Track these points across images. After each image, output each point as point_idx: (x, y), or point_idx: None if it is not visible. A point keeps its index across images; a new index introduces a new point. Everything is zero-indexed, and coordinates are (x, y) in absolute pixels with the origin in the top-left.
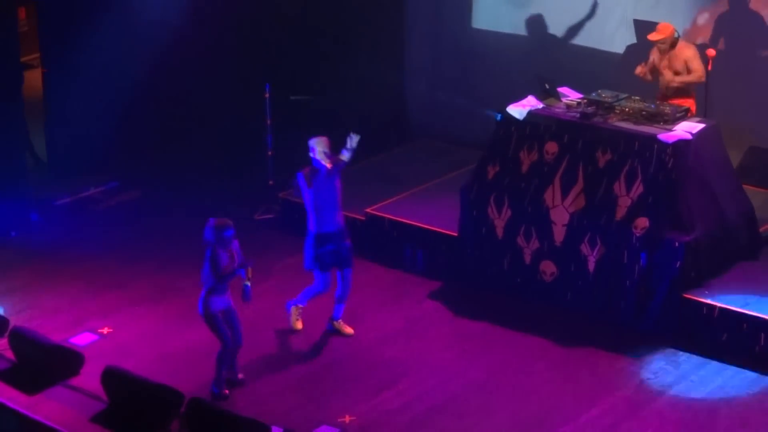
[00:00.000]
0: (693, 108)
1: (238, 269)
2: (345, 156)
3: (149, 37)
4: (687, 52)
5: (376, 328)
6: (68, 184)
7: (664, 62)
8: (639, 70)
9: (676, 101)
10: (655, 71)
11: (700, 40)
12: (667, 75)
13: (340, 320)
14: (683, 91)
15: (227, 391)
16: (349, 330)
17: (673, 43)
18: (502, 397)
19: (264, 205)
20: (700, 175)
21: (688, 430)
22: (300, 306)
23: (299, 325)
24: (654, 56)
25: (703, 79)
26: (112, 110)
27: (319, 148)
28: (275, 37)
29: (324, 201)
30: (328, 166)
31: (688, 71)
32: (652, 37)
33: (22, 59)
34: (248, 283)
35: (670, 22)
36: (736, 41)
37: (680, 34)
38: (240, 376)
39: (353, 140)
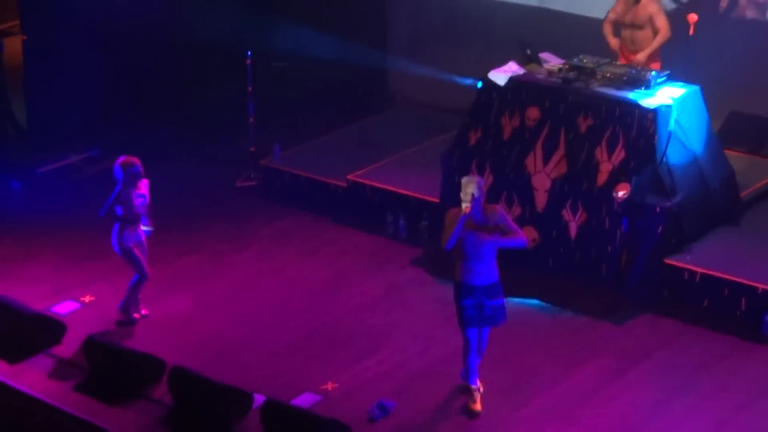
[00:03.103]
0: (657, 66)
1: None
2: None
3: (130, 4)
4: (651, 7)
5: (357, 294)
6: (49, 152)
7: (628, 16)
8: (614, 44)
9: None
10: (617, 26)
11: (680, 6)
12: (640, 57)
13: (474, 387)
14: (647, 46)
15: (137, 315)
16: (477, 407)
17: None
18: (483, 364)
19: (246, 172)
20: (681, 139)
21: (669, 395)
22: (472, 386)
23: (478, 407)
24: (616, 13)
25: (669, 35)
26: (93, 77)
27: (466, 188)
28: (256, 4)
29: (469, 249)
30: (466, 210)
31: (652, 27)
32: None
33: (1, 26)
34: (148, 229)
35: None
36: (717, 5)
37: None
38: (144, 311)
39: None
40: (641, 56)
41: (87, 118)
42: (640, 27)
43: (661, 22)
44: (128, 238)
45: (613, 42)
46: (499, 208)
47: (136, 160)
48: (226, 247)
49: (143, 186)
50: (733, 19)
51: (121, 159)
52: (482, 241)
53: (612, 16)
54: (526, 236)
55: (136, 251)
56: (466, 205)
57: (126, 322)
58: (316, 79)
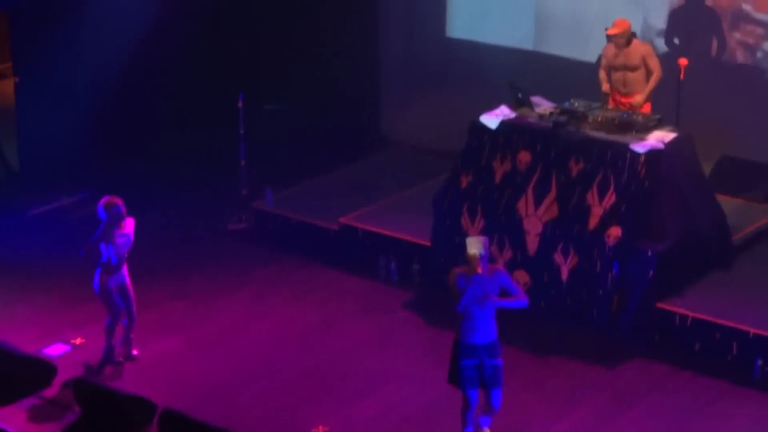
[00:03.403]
0: (648, 108)
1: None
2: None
3: (121, 46)
4: (643, 49)
5: (350, 337)
6: (41, 194)
7: (620, 58)
8: (605, 87)
9: (629, 99)
10: (609, 70)
11: (670, 49)
12: (636, 98)
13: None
14: (639, 87)
15: (121, 359)
16: None
17: (629, 40)
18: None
19: (237, 215)
20: (672, 184)
21: None
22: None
23: None
24: (607, 57)
25: (661, 75)
26: (84, 120)
27: (472, 248)
28: (248, 47)
29: (474, 309)
30: (478, 271)
31: (647, 69)
32: (611, 31)
33: None
34: None
35: (636, 32)
36: (708, 49)
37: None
38: (135, 351)
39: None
40: (640, 98)
41: (78, 160)
42: (633, 69)
43: (654, 63)
44: (110, 280)
45: (605, 86)
46: (502, 269)
47: (118, 200)
48: (218, 289)
49: (127, 226)
50: (724, 63)
51: (104, 199)
52: (485, 301)
53: (604, 61)
54: (527, 298)
55: (116, 294)
56: (476, 266)
57: (115, 362)
58: (308, 122)
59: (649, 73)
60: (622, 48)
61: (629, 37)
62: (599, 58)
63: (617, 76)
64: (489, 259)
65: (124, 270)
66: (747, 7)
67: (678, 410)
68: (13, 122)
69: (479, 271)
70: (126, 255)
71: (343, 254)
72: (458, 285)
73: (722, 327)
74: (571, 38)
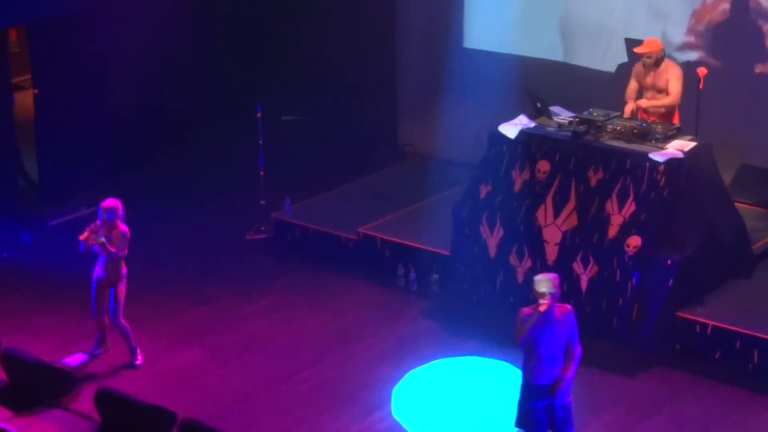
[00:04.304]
0: (676, 120)
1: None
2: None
3: (139, 58)
4: (670, 71)
5: (368, 347)
6: (60, 204)
7: (649, 78)
8: (629, 108)
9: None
10: (639, 89)
11: (690, 59)
12: (643, 99)
13: None
14: (668, 109)
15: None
16: None
17: (658, 61)
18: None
19: (256, 225)
20: (692, 193)
21: None
22: None
23: None
24: (637, 74)
25: (676, 103)
26: (103, 131)
27: (540, 287)
28: (267, 58)
29: (541, 348)
30: (541, 309)
31: (667, 89)
32: (638, 50)
33: (13, 80)
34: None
35: (659, 39)
36: (727, 59)
37: (667, 53)
38: (139, 361)
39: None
40: (644, 103)
41: (98, 171)
42: (661, 90)
43: (674, 88)
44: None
45: (630, 107)
46: (572, 312)
47: (110, 204)
48: (237, 299)
49: (116, 235)
50: (744, 72)
51: (103, 201)
52: (557, 341)
53: (631, 87)
54: (580, 348)
55: (93, 289)
56: (543, 304)
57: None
58: (327, 133)
59: (660, 91)
60: (651, 68)
61: (659, 58)
62: (623, 75)
63: (647, 96)
64: (558, 298)
65: (97, 268)
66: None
67: (698, 419)
68: (32, 133)
69: (543, 309)
70: (100, 256)
71: (361, 264)
72: (525, 318)
73: (743, 335)
74: (591, 48)
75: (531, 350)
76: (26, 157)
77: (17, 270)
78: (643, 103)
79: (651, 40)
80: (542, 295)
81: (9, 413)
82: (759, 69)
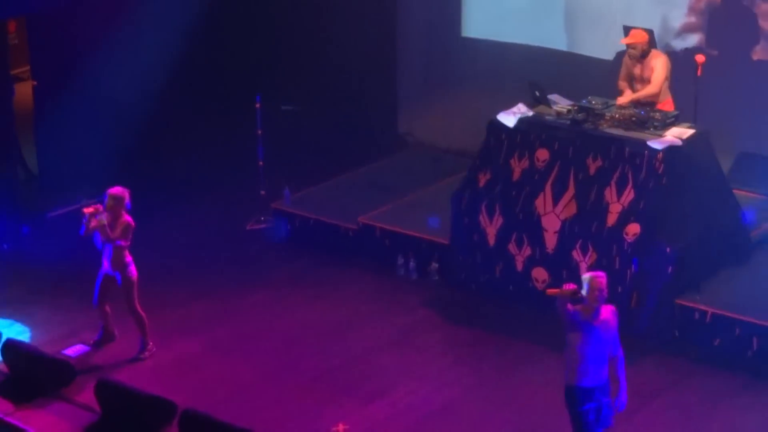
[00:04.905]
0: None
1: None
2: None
3: (138, 48)
4: (656, 61)
5: (368, 336)
6: (60, 196)
7: (636, 69)
8: (622, 98)
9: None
10: (630, 79)
11: (689, 45)
12: (624, 95)
13: None
14: (660, 98)
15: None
16: None
17: (644, 53)
18: (495, 405)
19: (256, 215)
20: (690, 180)
21: None
22: None
23: None
24: (626, 65)
25: (657, 92)
26: (102, 122)
27: (587, 287)
28: (266, 48)
29: (588, 350)
30: (589, 309)
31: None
32: (624, 41)
33: (12, 72)
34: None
35: (656, 28)
36: (726, 45)
37: (657, 42)
38: (145, 355)
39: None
40: (622, 100)
41: (97, 162)
42: (648, 81)
43: (656, 77)
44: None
45: (623, 98)
46: (615, 311)
47: (117, 192)
48: (237, 289)
49: (120, 224)
50: (742, 59)
51: (111, 188)
52: (605, 342)
53: (623, 75)
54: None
55: (98, 280)
56: (593, 305)
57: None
58: (326, 123)
59: (648, 82)
60: (637, 60)
61: (644, 50)
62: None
63: (638, 87)
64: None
65: (104, 263)
66: (765, 4)
67: (697, 405)
68: (31, 125)
69: (591, 310)
70: (104, 248)
71: (361, 253)
72: (571, 318)
73: (742, 322)
74: (590, 36)
75: (577, 352)
76: (25, 148)
77: (16, 261)
78: (622, 100)
79: (637, 31)
80: (590, 295)
81: (9, 404)
82: (757, 56)
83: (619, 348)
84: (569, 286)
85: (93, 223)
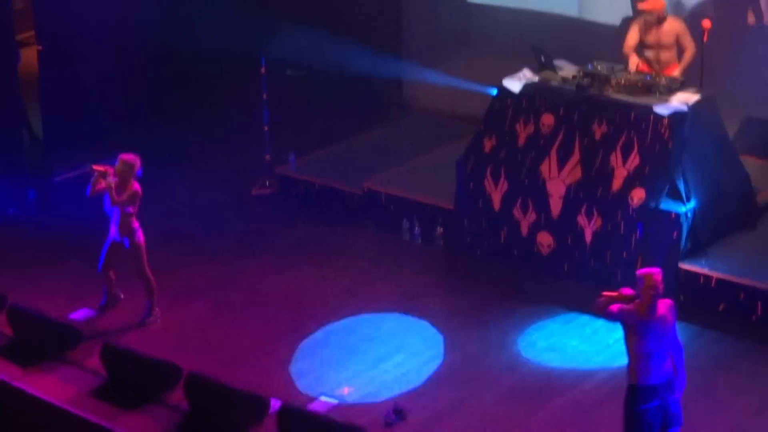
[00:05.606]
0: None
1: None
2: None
3: (144, 12)
4: (677, 26)
5: (373, 301)
6: (66, 160)
7: (651, 36)
8: (633, 60)
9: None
10: (640, 46)
11: (695, 11)
12: (677, 75)
13: None
14: (672, 65)
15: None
16: None
17: (661, 19)
18: (499, 368)
19: (261, 180)
20: (696, 145)
21: (685, 399)
22: None
23: None
24: (638, 29)
25: (695, 51)
26: (108, 86)
27: (646, 284)
28: (270, 12)
29: (648, 347)
30: (646, 306)
31: (680, 46)
32: (642, 6)
33: (17, 37)
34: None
35: None
36: (732, 11)
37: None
38: (150, 320)
39: None
40: (677, 72)
41: (103, 126)
42: (667, 47)
43: (689, 41)
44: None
45: (633, 64)
46: (674, 305)
47: (129, 158)
48: (242, 254)
49: (127, 191)
50: (748, 25)
51: (123, 154)
52: (664, 338)
53: (631, 41)
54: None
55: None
56: (648, 303)
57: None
58: (331, 87)
59: (681, 50)
60: (652, 26)
61: (661, 16)
62: (627, 29)
63: (650, 54)
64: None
65: (112, 228)
66: None
67: (702, 370)
68: (36, 90)
69: (648, 306)
70: (112, 216)
71: (366, 218)
72: (627, 319)
73: (747, 287)
74: (596, 0)
75: (636, 352)
76: (31, 113)
77: (23, 226)
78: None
79: None
80: (645, 293)
81: (15, 369)
82: (765, 20)
83: (677, 342)
84: (627, 291)
85: (100, 184)
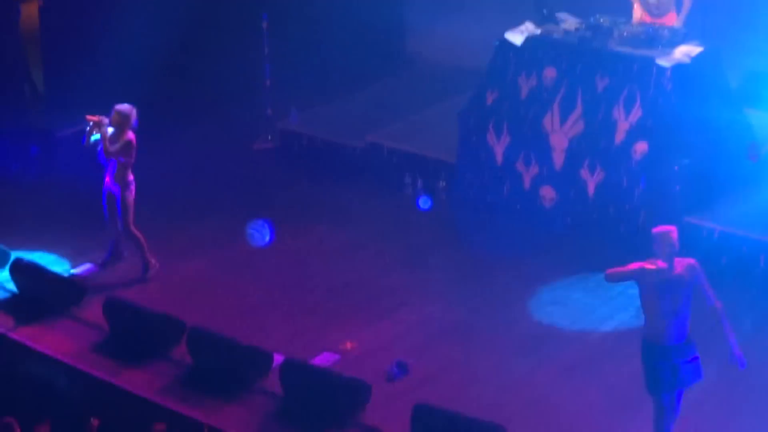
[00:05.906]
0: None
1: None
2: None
3: None
4: None
5: (376, 255)
6: (68, 116)
7: None
8: (637, 14)
9: (661, 21)
10: None
11: None
12: (678, 23)
13: None
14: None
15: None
16: None
17: None
18: (502, 322)
19: (263, 134)
20: (698, 98)
21: None
22: None
23: None
24: None
25: None
26: (109, 42)
27: (662, 242)
28: None
29: (665, 307)
30: (661, 265)
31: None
32: None
33: None
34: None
35: None
36: None
37: None
38: (149, 274)
39: None
40: (679, 22)
41: (104, 82)
42: (667, 2)
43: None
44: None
45: (637, 13)
46: (697, 265)
47: (124, 109)
48: (244, 209)
49: (120, 142)
50: None
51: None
52: (681, 298)
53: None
54: (719, 301)
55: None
56: (663, 261)
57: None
58: (333, 42)
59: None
60: None
61: None
62: None
63: (650, 7)
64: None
65: (106, 179)
66: None
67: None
68: (38, 45)
69: (663, 265)
70: (107, 166)
71: (368, 172)
72: (642, 277)
73: (749, 240)
74: None
75: (655, 311)
76: (33, 69)
77: (25, 182)
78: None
79: None
80: (661, 251)
81: (18, 323)
82: None
83: (714, 300)
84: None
85: (92, 134)
